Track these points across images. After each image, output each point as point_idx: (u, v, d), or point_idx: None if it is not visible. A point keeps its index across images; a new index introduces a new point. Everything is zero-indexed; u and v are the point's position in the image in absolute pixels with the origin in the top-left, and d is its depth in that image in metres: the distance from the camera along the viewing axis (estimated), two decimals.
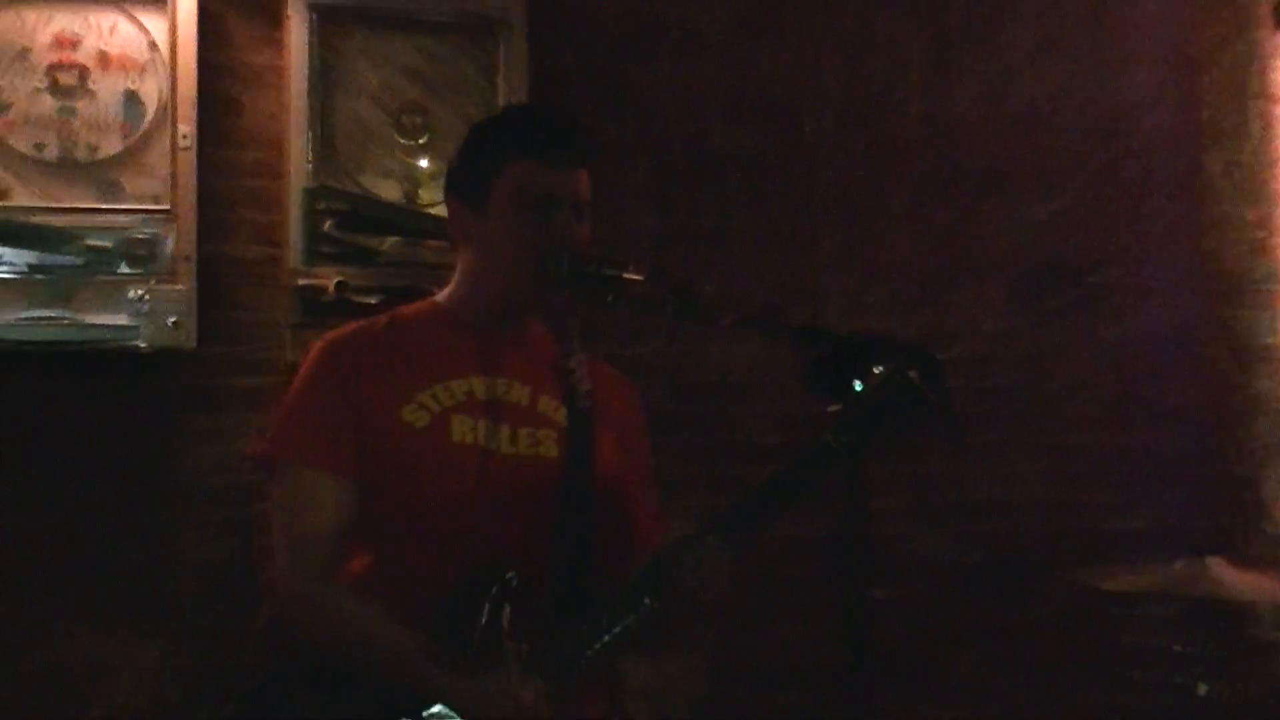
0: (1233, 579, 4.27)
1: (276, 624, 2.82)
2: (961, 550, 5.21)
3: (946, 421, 2.54)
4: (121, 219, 4.48)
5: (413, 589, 2.69)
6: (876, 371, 2.46)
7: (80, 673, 4.41)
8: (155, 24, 4.51)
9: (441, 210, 4.39)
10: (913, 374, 2.46)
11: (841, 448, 2.44)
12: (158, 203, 4.50)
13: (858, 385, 2.44)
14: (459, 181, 2.99)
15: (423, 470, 2.78)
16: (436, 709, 2.56)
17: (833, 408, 2.43)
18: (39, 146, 4.44)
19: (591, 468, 2.81)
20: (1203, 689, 4.38)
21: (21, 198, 4.44)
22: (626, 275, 2.70)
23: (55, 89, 4.46)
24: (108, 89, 4.49)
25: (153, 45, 4.50)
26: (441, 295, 3.01)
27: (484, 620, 2.66)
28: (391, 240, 4.68)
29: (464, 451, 2.80)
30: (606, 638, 2.61)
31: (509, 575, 2.67)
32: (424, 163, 4.80)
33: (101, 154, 4.48)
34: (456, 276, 2.99)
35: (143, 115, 4.50)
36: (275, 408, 2.93)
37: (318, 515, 2.74)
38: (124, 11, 4.51)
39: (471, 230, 2.93)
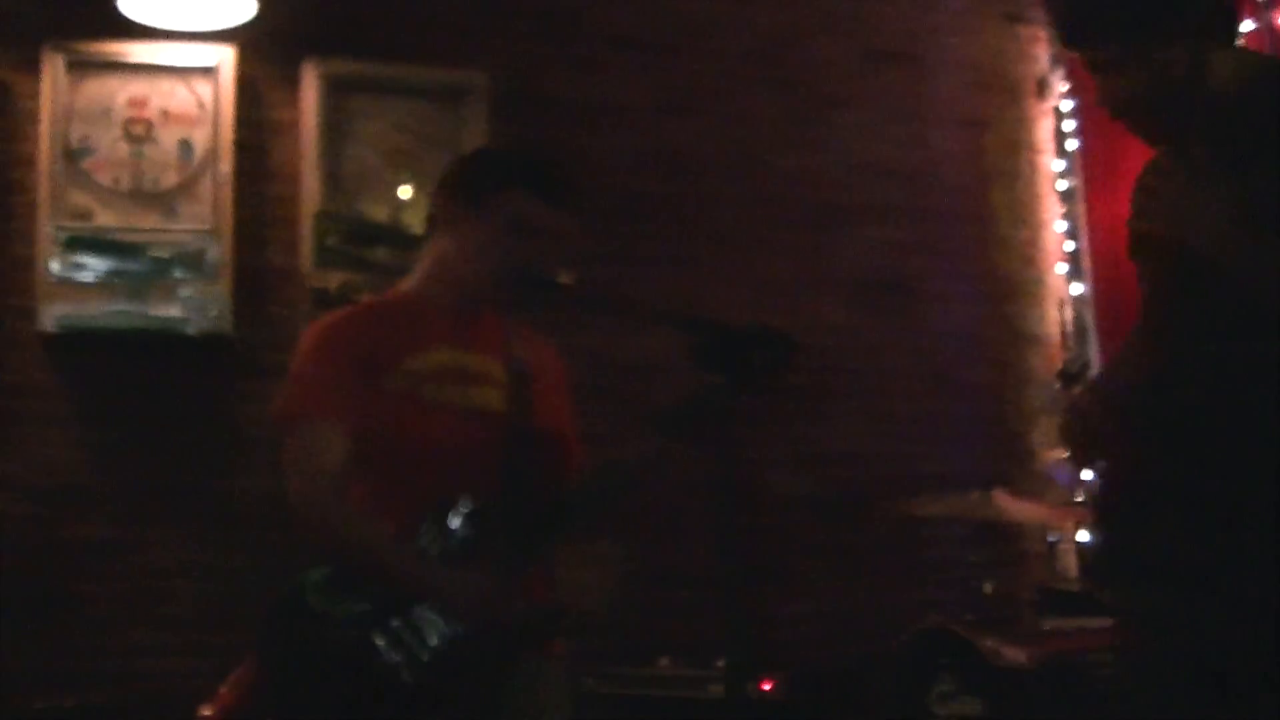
0: (1010, 506, 4.97)
1: (300, 537, 2.98)
2: (814, 488, 5.79)
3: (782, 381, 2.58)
4: (177, 236, 5.08)
5: (399, 511, 2.95)
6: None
7: (170, 574, 5.01)
8: (204, 89, 5.15)
9: (418, 229, 4.80)
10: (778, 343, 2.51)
11: (721, 388, 2.53)
12: (204, 223, 5.10)
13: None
14: (463, 181, 3.21)
15: (401, 425, 3.02)
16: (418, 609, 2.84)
17: (717, 380, 2.52)
18: (116, 180, 5.08)
19: (529, 417, 3.08)
20: (988, 587, 5.04)
21: (103, 219, 5.05)
22: (561, 280, 3.01)
23: (129, 137, 5.10)
24: (168, 137, 5.13)
25: (201, 105, 5.15)
26: (413, 280, 3.24)
27: (453, 532, 2.94)
28: (381, 251, 5.26)
29: (435, 409, 3.05)
30: (546, 539, 2.96)
31: (469, 500, 2.93)
32: (405, 194, 5.38)
33: (163, 186, 5.11)
34: (428, 261, 3.23)
35: (194, 157, 5.13)
36: (285, 378, 3.11)
37: (327, 454, 2.95)
38: (182, 79, 5.15)
39: (458, 227, 3.17)
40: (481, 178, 3.21)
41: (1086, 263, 6.29)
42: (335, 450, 2.97)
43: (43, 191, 5.01)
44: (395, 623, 2.85)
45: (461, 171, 3.28)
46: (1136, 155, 5.60)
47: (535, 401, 3.14)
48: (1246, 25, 5.32)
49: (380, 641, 2.83)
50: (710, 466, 2.46)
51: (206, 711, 4.11)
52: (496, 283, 3.11)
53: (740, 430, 2.48)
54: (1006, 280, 6.28)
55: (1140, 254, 2.77)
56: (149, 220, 5.12)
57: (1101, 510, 2.91)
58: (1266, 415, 2.52)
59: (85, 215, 5.07)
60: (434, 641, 2.83)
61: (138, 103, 5.16)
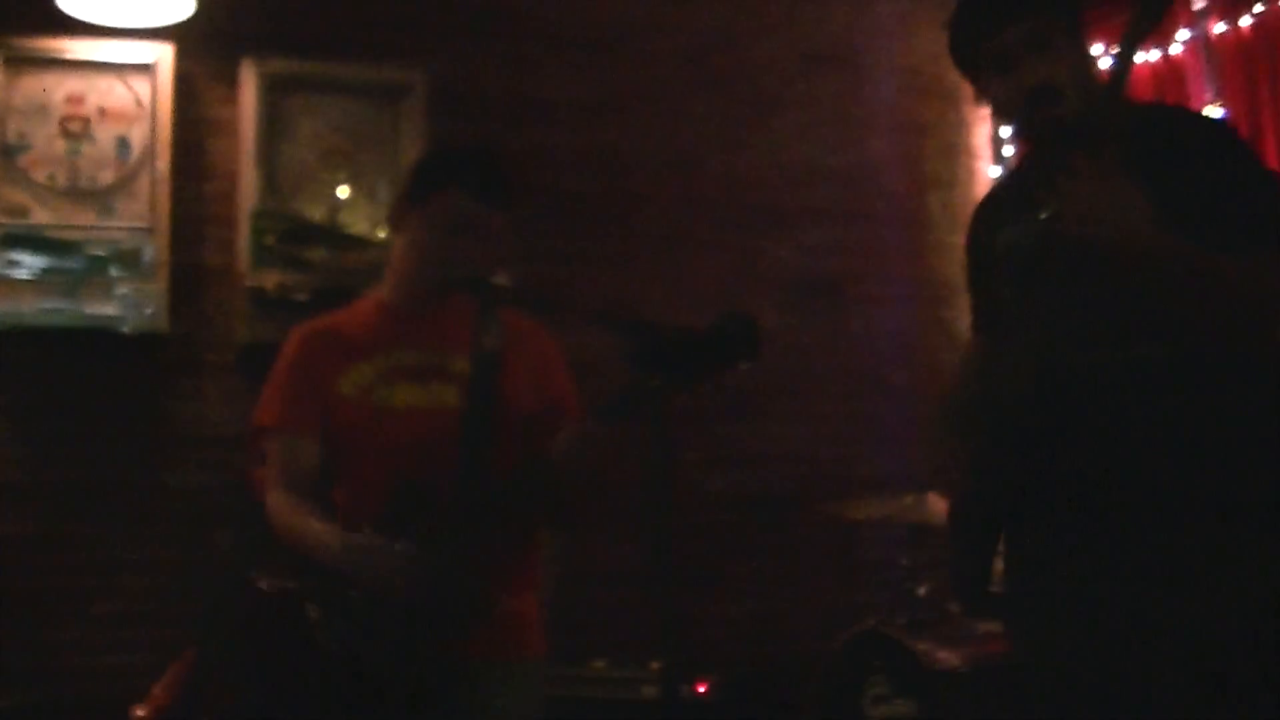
0: (941, 508, 4.76)
1: (274, 535, 3.06)
2: (749, 489, 5.81)
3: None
4: (114, 234, 5.06)
5: (365, 508, 3.01)
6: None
7: (102, 571, 4.97)
8: (142, 86, 5.13)
9: (355, 229, 5.13)
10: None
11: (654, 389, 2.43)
12: (141, 221, 5.08)
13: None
14: (410, 182, 3.25)
15: (355, 429, 3.09)
16: None
17: (653, 382, 2.47)
18: (52, 177, 5.05)
19: (490, 409, 3.06)
20: (922, 589, 5.00)
21: (39, 217, 5.02)
22: (496, 281, 3.03)
23: (66, 134, 5.07)
24: (105, 135, 5.11)
25: (139, 102, 5.13)
26: (384, 282, 3.28)
27: (412, 525, 2.93)
28: (318, 250, 5.26)
29: (386, 411, 3.09)
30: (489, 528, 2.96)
31: (425, 493, 2.96)
32: (343, 194, 5.36)
33: (99, 184, 5.09)
34: (390, 268, 3.28)
35: (131, 155, 5.12)
36: (267, 386, 3.17)
37: (294, 466, 3.08)
38: (119, 77, 5.12)
39: (406, 228, 3.21)
40: (423, 177, 3.25)
41: None
42: (300, 461, 3.09)
43: None
44: (331, 602, 2.91)
45: (410, 172, 3.33)
46: None
47: (508, 386, 3.13)
48: (1183, 34, 5.42)
49: (316, 616, 2.90)
50: (644, 467, 2.42)
51: (140, 711, 4.13)
52: (437, 283, 3.13)
53: (674, 430, 2.43)
54: (941, 284, 6.30)
55: (1042, 257, 2.70)
56: (85, 218, 5.11)
57: (981, 527, 2.83)
58: (1192, 419, 2.55)
59: (21, 213, 5.05)
60: (373, 624, 2.87)
61: (75, 100, 5.14)
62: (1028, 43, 2.73)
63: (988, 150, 6.54)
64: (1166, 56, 5.45)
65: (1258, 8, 5.13)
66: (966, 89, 6.04)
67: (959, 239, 5.91)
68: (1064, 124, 2.71)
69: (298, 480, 3.08)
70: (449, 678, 2.91)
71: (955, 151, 6.49)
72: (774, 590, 5.81)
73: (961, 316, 5.87)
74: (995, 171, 6.48)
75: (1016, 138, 2.92)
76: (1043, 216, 2.57)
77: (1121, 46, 2.56)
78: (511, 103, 5.78)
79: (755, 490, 5.87)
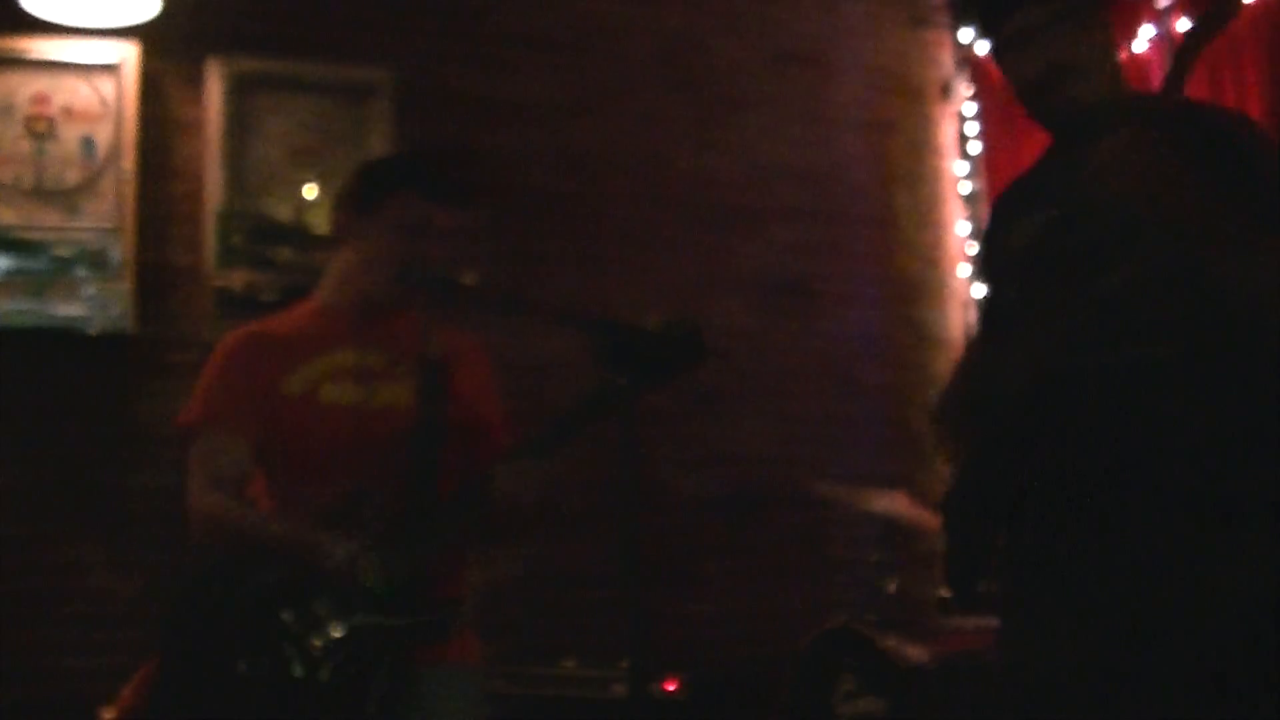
0: (909, 509, 5.02)
1: (196, 538, 3.04)
2: (718, 489, 5.81)
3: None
4: (80, 234, 5.04)
5: (302, 507, 2.98)
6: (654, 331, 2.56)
7: (71, 572, 4.94)
8: (107, 86, 5.11)
9: (323, 229, 4.99)
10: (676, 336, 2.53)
11: (621, 385, 2.55)
12: (107, 222, 5.06)
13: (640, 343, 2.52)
14: (355, 193, 3.26)
15: (301, 428, 3.07)
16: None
17: (620, 380, 2.52)
18: (18, 178, 5.01)
19: (440, 412, 3.03)
20: (891, 586, 5.02)
21: (4, 217, 4.99)
22: (463, 281, 3.02)
23: (32, 134, 5.04)
24: (71, 135, 5.08)
25: (104, 102, 5.10)
26: (322, 289, 3.28)
27: (356, 528, 2.90)
28: (285, 250, 5.24)
29: (333, 410, 3.10)
30: (442, 531, 2.94)
31: (372, 497, 2.93)
32: (311, 194, 5.32)
33: (66, 184, 5.06)
34: (332, 272, 3.28)
35: (96, 155, 5.09)
36: (193, 386, 3.18)
37: (222, 463, 3.04)
38: (84, 77, 5.09)
39: (355, 236, 3.22)
40: (371, 185, 3.26)
41: None
42: (229, 459, 3.05)
43: None
44: (290, 614, 2.86)
45: (354, 181, 3.32)
46: (1034, 158, 5.73)
47: (451, 396, 3.11)
48: (1148, 30, 5.43)
49: (285, 618, 2.85)
50: (613, 467, 2.45)
51: (108, 715, 4.12)
52: (396, 287, 3.14)
53: (643, 430, 2.48)
54: (909, 283, 6.36)
55: (1044, 254, 2.74)
56: (51, 218, 5.08)
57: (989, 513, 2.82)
58: (1191, 419, 2.54)
59: None
60: (332, 632, 2.83)
61: (40, 99, 5.12)
62: (1046, 21, 2.74)
63: (954, 148, 6.56)
64: (1130, 53, 5.44)
65: None
66: (933, 87, 6.57)
67: (927, 236, 6.36)
68: (1079, 106, 2.72)
69: (224, 480, 3.04)
70: (398, 684, 2.87)
71: (922, 149, 6.51)
72: (744, 589, 5.82)
73: (928, 314, 6.25)
74: (962, 169, 6.52)
75: (1032, 119, 2.89)
76: (1051, 214, 2.60)
77: (1189, 36, 2.52)
78: (479, 102, 5.77)
79: (725, 490, 5.88)
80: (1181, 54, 2.54)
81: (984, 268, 3.14)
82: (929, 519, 5.07)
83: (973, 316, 6.27)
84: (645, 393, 2.54)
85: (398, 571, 2.85)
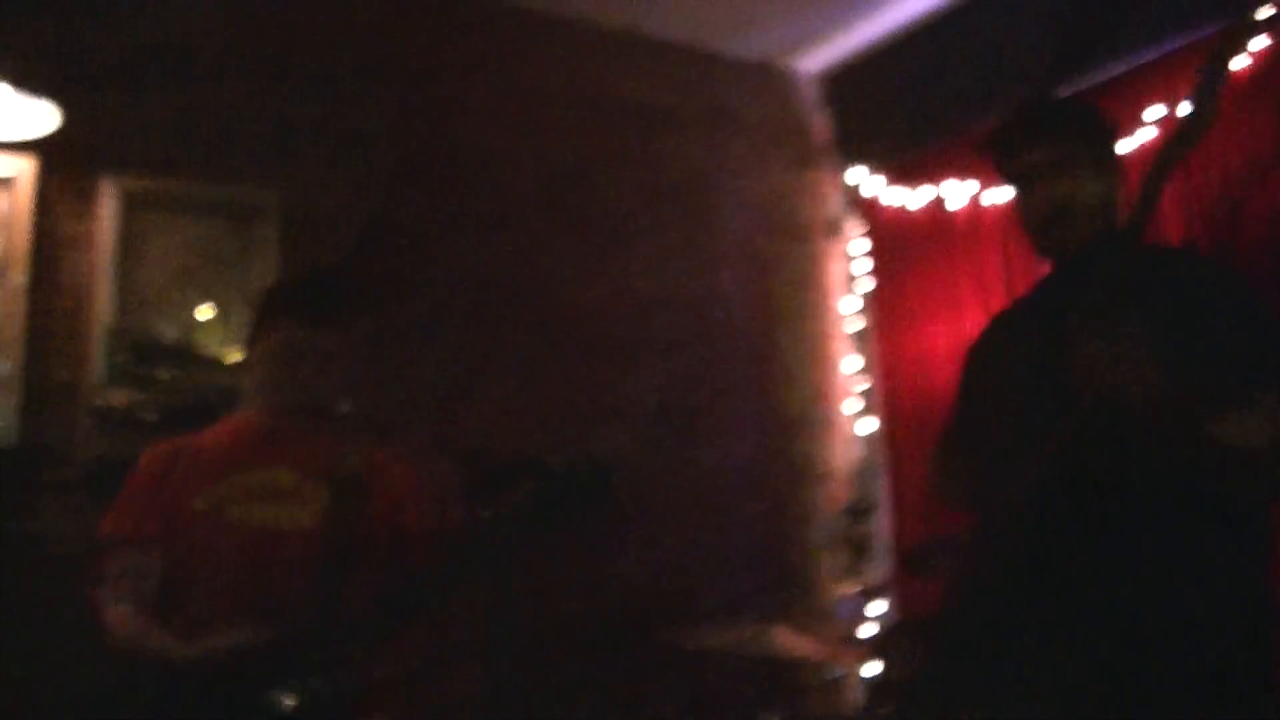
0: (787, 640, 4.95)
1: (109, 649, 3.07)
2: (587, 618, 5.76)
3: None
4: None
5: (205, 625, 3.01)
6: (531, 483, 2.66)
7: None
8: (0, 200, 4.99)
9: (210, 350, 5.07)
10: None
11: (486, 519, 2.66)
12: None
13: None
14: (253, 320, 3.41)
15: (206, 545, 3.14)
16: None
17: (485, 513, 2.60)
18: None
19: (350, 530, 3.12)
20: None
21: None
22: (337, 408, 3.18)
23: None
24: None
25: None
26: (245, 407, 3.41)
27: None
28: (168, 370, 5.18)
29: (239, 528, 3.16)
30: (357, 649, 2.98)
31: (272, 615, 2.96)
32: (204, 315, 5.30)
33: None
34: (245, 397, 3.42)
35: None
36: (118, 498, 3.24)
37: (140, 580, 3.12)
38: None
39: (252, 364, 3.37)
40: (257, 316, 3.40)
41: (877, 400, 6.45)
42: (142, 572, 3.12)
43: None
44: None
45: (255, 307, 3.46)
46: (926, 295, 5.79)
47: (365, 514, 3.19)
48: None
49: None
50: (481, 597, 2.56)
51: None
52: (282, 412, 3.25)
53: (515, 559, 2.59)
54: (792, 416, 6.42)
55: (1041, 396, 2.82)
56: None
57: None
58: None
59: None
60: None
61: None
62: (1048, 164, 2.90)
63: (842, 285, 6.66)
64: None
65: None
66: (819, 224, 6.62)
67: (809, 372, 6.40)
68: (1079, 244, 2.87)
69: (142, 594, 3.10)
70: None
71: (806, 286, 6.62)
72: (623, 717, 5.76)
73: (811, 448, 6.32)
74: (852, 304, 6.59)
75: (1035, 254, 3.03)
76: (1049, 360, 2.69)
77: (1150, 174, 2.66)
78: (363, 226, 5.76)
79: (598, 618, 5.83)
80: (1148, 182, 2.68)
81: (966, 378, 3.22)
82: (817, 650, 5.09)
83: (858, 452, 6.34)
84: (549, 532, 2.64)
85: (318, 696, 2.88)
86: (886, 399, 6.40)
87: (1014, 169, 3.03)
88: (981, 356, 3.25)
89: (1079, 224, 2.91)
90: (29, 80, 4.84)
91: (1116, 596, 2.69)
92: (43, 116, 4.92)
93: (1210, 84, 2.65)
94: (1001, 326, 3.26)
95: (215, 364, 5.27)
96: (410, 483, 3.40)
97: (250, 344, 3.36)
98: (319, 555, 3.11)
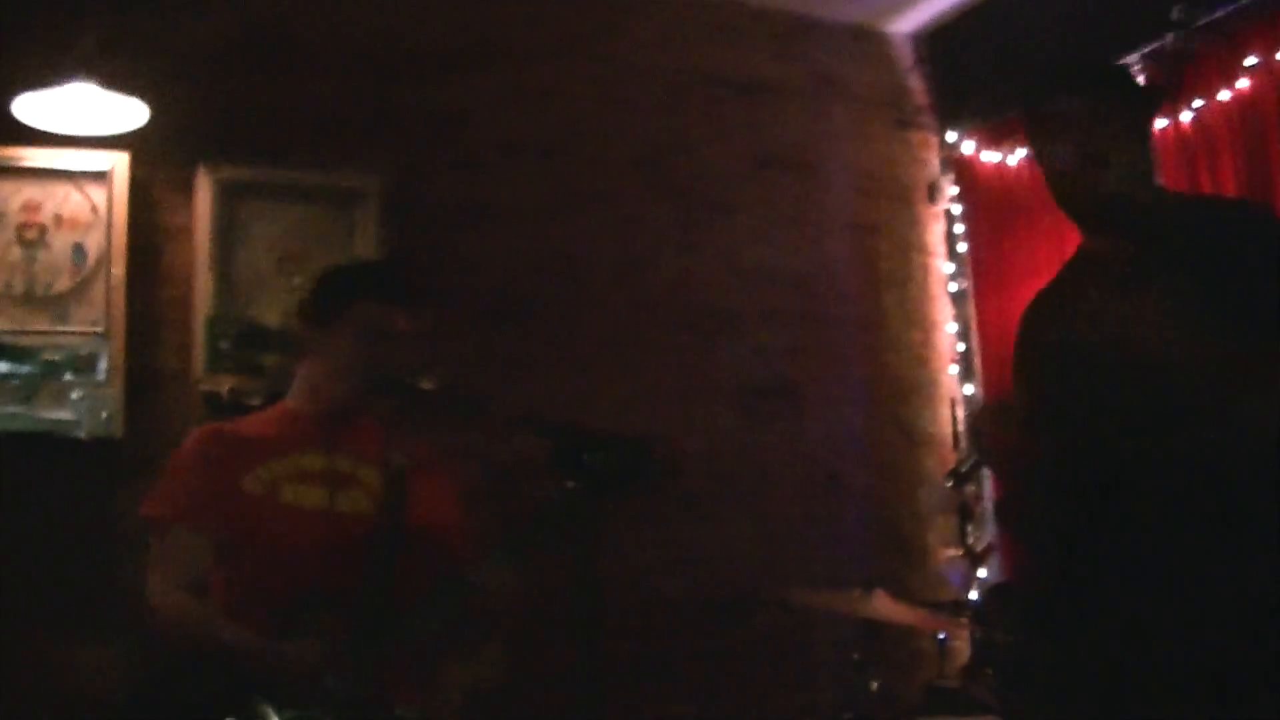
0: (886, 607, 4.87)
1: (154, 632, 3.08)
2: (700, 590, 5.78)
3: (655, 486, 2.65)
4: (70, 339, 5.06)
5: (257, 606, 3.02)
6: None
7: (48, 670, 4.80)
8: (97, 193, 5.14)
9: None
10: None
11: (574, 493, 2.58)
12: (97, 327, 5.08)
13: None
14: (311, 309, 3.37)
15: (259, 527, 3.12)
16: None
17: (570, 483, 2.54)
18: (8, 284, 5.04)
19: (400, 519, 3.13)
20: (874, 685, 4.92)
21: None
22: (422, 385, 3.06)
23: (22, 242, 5.07)
24: (61, 242, 5.11)
25: (94, 209, 5.13)
26: (289, 397, 3.39)
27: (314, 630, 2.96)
28: (272, 355, 5.21)
29: (293, 512, 3.16)
30: (407, 633, 2.98)
31: (331, 603, 2.98)
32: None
33: (55, 290, 5.09)
34: (298, 381, 3.39)
35: (87, 261, 5.12)
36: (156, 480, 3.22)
37: (183, 560, 3.10)
38: (75, 184, 5.13)
39: (316, 348, 3.33)
40: (326, 298, 3.36)
41: (977, 363, 6.40)
42: (188, 554, 3.09)
43: None
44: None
45: (309, 296, 3.42)
46: (1023, 257, 5.77)
47: (412, 503, 3.16)
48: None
49: None
50: (571, 570, 2.46)
51: None
52: (362, 394, 3.21)
53: (626, 532, 2.43)
54: (898, 382, 6.39)
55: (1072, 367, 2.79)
56: (41, 324, 5.10)
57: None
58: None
59: None
60: None
61: (31, 207, 5.15)
62: (1084, 113, 2.83)
63: (942, 247, 6.61)
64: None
65: (1196, 103, 5.14)
66: (920, 188, 6.60)
67: (915, 335, 6.40)
68: (1104, 199, 2.81)
69: (190, 577, 3.08)
70: None
71: (909, 250, 6.57)
72: (726, 690, 5.78)
73: (917, 413, 6.30)
74: (949, 268, 6.55)
75: (1058, 206, 2.96)
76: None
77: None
78: (463, 207, 5.78)
79: (707, 591, 5.84)
80: None
81: (1016, 364, 3.17)
82: (910, 616, 5.06)
83: (961, 415, 6.29)
84: (603, 500, 2.56)
85: (357, 680, 2.86)
86: (986, 361, 6.34)
87: (1045, 119, 2.93)
88: (1023, 342, 3.16)
89: (1108, 178, 2.82)
90: (119, 74, 4.85)
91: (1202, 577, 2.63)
92: (133, 110, 4.95)
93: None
94: (1039, 307, 3.16)
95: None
96: (449, 485, 3.42)
97: (322, 325, 3.31)
98: (378, 541, 3.10)
